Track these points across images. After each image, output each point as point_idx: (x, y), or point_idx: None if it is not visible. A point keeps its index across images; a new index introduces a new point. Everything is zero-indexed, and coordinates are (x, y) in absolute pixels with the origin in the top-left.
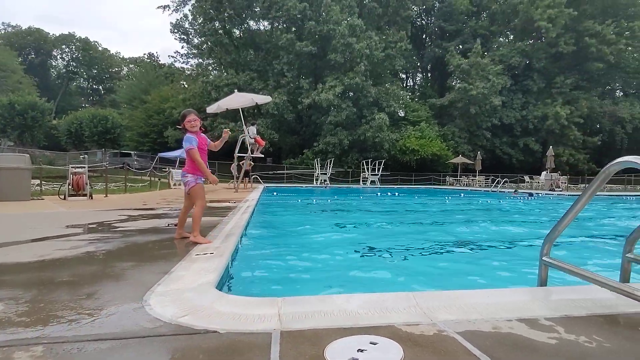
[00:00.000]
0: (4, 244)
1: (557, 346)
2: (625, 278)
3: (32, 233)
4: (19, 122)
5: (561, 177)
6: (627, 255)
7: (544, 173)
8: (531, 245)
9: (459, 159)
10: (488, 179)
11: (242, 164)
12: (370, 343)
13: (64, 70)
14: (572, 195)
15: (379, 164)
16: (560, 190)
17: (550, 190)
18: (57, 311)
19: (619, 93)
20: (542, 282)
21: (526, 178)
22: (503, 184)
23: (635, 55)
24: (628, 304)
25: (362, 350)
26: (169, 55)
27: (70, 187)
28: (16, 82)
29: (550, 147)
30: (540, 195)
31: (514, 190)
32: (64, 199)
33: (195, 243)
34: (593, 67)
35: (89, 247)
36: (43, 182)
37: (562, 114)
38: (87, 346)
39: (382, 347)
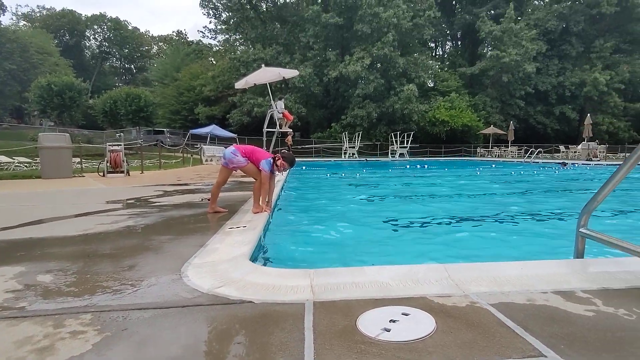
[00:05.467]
0: (50, 219)
1: (594, 319)
2: None
3: (75, 209)
4: (57, 102)
5: (599, 146)
6: None
7: (582, 143)
8: (562, 217)
9: (491, 130)
10: (521, 149)
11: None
12: (402, 314)
13: (98, 50)
14: (611, 165)
15: (408, 136)
16: (598, 160)
17: (587, 160)
18: (102, 282)
19: None
20: (579, 254)
21: (561, 148)
22: (537, 154)
23: None
24: None
25: (394, 321)
26: (198, 31)
27: (108, 164)
28: (53, 64)
29: (588, 115)
30: (576, 165)
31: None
32: (103, 176)
33: (229, 217)
34: (638, 28)
35: (128, 222)
36: (83, 160)
37: (602, 79)
38: (131, 315)
39: (414, 318)
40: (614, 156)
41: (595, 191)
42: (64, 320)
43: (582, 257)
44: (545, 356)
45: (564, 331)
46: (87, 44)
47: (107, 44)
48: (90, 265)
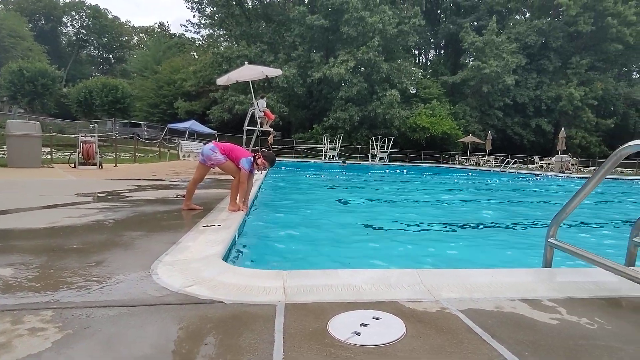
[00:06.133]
0: (15, 209)
1: (558, 327)
2: (630, 262)
3: (42, 200)
4: (29, 89)
5: (571, 159)
6: (634, 239)
7: (556, 156)
8: (533, 227)
9: (469, 138)
10: (498, 159)
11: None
12: (374, 318)
13: (75, 37)
14: (582, 177)
15: (389, 141)
16: (570, 173)
17: (559, 172)
18: (67, 277)
19: (635, 75)
20: (547, 264)
21: (536, 159)
22: (512, 164)
23: None
24: (632, 287)
25: (365, 325)
26: (180, 24)
27: (80, 155)
28: (26, 49)
29: (562, 128)
30: (549, 177)
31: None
32: (74, 167)
33: (204, 214)
34: (611, 47)
35: (98, 216)
36: (53, 150)
37: (576, 95)
38: (95, 312)
39: (385, 323)
40: (585, 169)
41: (565, 203)
42: (23, 316)
43: (550, 267)
44: None
45: (529, 338)
46: (64, 31)
47: (84, 32)
48: (54, 260)
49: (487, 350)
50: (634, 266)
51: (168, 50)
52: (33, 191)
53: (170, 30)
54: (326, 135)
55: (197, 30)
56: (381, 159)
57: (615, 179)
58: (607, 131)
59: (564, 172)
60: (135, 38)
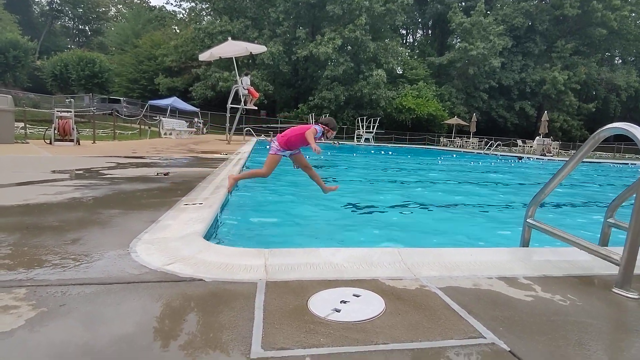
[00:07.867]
0: None
1: (532, 303)
2: (604, 242)
3: (16, 177)
4: None
5: (553, 142)
6: (608, 220)
7: (537, 138)
8: (512, 207)
9: (454, 120)
10: (482, 141)
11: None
12: (354, 295)
13: (48, 7)
14: (563, 160)
15: (374, 121)
16: (551, 156)
17: (541, 155)
18: (42, 255)
19: (617, 60)
20: (525, 243)
21: (519, 142)
22: (496, 146)
23: (638, 22)
24: (603, 266)
25: (345, 302)
26: None
27: (56, 131)
28: None
29: (545, 112)
30: (530, 159)
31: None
32: (50, 143)
33: (186, 193)
34: (596, 32)
35: (75, 193)
36: (28, 126)
37: (560, 79)
38: (71, 290)
39: (365, 300)
40: (566, 152)
41: (544, 184)
42: None
43: (528, 246)
44: (485, 337)
45: (504, 314)
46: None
47: (58, 1)
48: (29, 238)
49: (463, 326)
50: (607, 246)
51: (148, 23)
52: (6, 168)
53: (150, 2)
54: (311, 115)
55: (179, 3)
56: (367, 139)
57: (594, 162)
58: (588, 115)
59: (545, 155)
60: (113, 9)
